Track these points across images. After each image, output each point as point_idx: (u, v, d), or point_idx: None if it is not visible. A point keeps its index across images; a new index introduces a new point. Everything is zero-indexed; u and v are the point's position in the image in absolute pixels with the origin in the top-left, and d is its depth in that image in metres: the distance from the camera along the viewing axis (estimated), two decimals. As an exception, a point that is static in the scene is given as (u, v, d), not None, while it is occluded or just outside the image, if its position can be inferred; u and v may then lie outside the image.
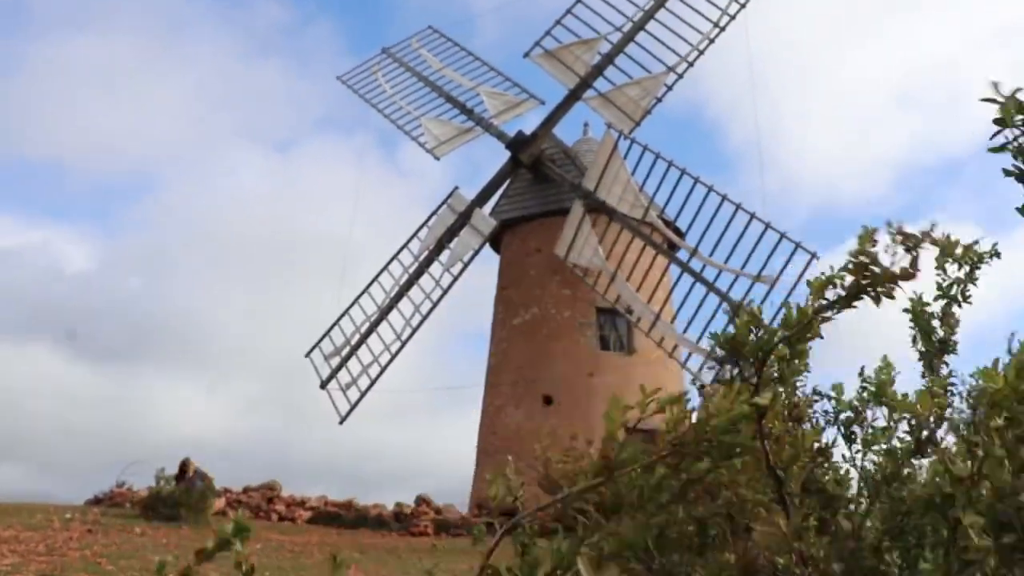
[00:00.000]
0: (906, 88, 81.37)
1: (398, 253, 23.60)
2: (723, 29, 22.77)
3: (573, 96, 23.44)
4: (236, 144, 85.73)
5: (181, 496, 13.74)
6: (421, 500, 17.40)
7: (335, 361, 23.29)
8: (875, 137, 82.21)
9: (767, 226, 19.70)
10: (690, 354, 20.50)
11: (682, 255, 21.05)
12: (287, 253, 69.65)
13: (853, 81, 79.62)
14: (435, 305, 22.64)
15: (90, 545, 9.45)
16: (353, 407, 22.55)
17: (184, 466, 17.97)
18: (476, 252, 22.88)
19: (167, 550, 9.40)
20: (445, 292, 22.65)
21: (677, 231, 22.28)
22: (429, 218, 23.83)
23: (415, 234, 23.75)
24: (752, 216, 19.95)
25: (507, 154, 24.24)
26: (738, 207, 20.11)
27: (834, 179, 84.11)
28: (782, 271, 19.40)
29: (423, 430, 51.83)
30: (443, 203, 23.87)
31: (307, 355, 23.68)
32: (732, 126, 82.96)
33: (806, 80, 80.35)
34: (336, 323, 23.62)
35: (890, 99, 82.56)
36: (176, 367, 67.97)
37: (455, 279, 22.67)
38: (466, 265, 22.76)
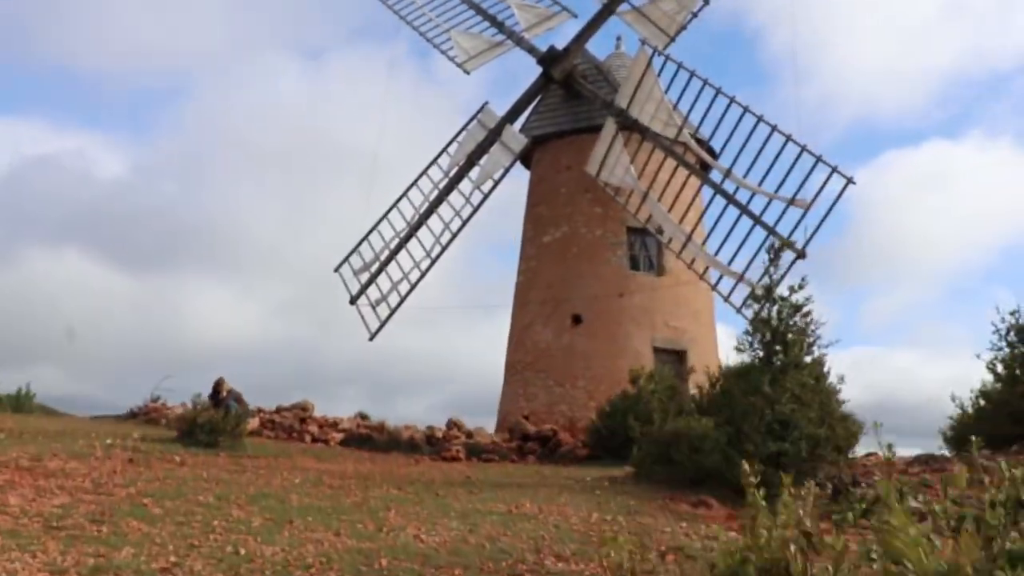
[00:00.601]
0: None
1: (427, 168, 23.38)
2: (764, -59, 22.07)
3: (607, 10, 22.86)
4: (270, 51, 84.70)
5: (218, 423, 13.96)
6: (452, 423, 17.61)
7: (364, 277, 23.33)
8: (919, 48, 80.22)
9: (803, 148, 19.35)
10: (721, 276, 20.37)
11: (715, 176, 20.77)
12: (320, 161, 69.46)
13: None
14: (465, 223, 22.51)
15: (134, 481, 9.64)
16: (383, 324, 22.65)
17: (218, 386, 18.22)
18: (507, 170, 22.63)
19: (208, 488, 9.58)
20: (475, 210, 22.51)
21: (711, 151, 21.96)
22: (459, 133, 23.53)
23: (444, 149, 23.49)
24: (788, 138, 19.58)
25: (538, 68, 23.80)
26: (774, 128, 19.75)
27: (875, 91, 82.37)
28: (817, 195, 19.13)
29: (449, 336, 52.32)
30: (473, 118, 23.53)
31: (336, 270, 23.72)
32: (773, 36, 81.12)
33: None
34: (365, 238, 23.56)
35: (937, 9, 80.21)
36: (209, 273, 68.64)
37: (485, 197, 22.49)
38: (496, 183, 22.55)
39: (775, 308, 12.38)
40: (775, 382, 11.78)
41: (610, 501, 10.67)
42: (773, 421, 11.61)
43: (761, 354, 12.32)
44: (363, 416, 39.25)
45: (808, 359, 12.23)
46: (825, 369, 12.64)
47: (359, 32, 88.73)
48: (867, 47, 78.11)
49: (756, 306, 12.52)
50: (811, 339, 12.33)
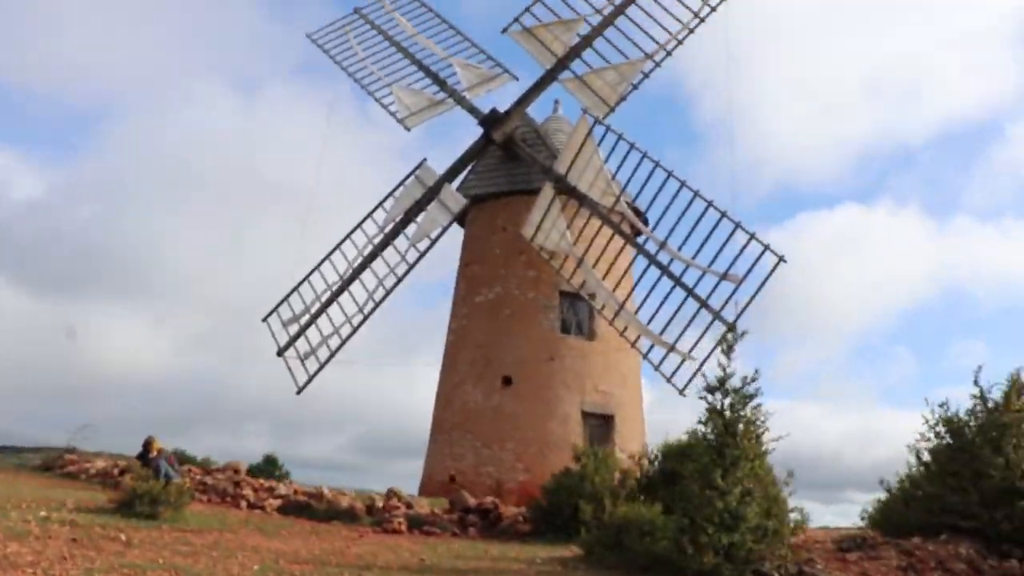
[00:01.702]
0: (871, 78, 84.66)
1: (362, 222, 23.29)
2: (703, 20, 22.79)
3: (550, 76, 23.21)
4: (205, 81, 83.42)
5: (159, 494, 13.53)
6: (392, 493, 17.42)
7: (293, 328, 23.04)
8: (838, 122, 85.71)
9: (737, 225, 19.84)
10: (652, 346, 20.68)
11: (650, 246, 21.10)
12: (248, 196, 68.52)
13: (822, 69, 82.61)
14: (399, 281, 22.41)
15: (89, 572, 9.29)
16: (311, 378, 22.37)
17: (147, 446, 17.71)
18: (444, 229, 22.69)
19: (171, 578, 9.29)
20: (410, 268, 22.43)
21: (646, 222, 22.41)
22: (396, 189, 23.50)
23: (380, 204, 23.42)
24: (723, 215, 20.05)
25: (475, 126, 23.96)
26: (710, 204, 20.21)
27: (797, 159, 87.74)
28: (749, 271, 19.65)
29: (359, 375, 51.85)
30: (410, 174, 23.54)
31: (265, 319, 23.39)
32: (704, 102, 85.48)
33: (778, 64, 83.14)
34: (295, 289, 23.31)
35: (855, 88, 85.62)
36: (121, 301, 66.71)
37: (421, 256, 22.44)
38: (433, 242, 22.53)
39: (727, 399, 12.67)
40: (727, 474, 12.05)
41: (571, 594, 10.74)
42: (724, 512, 11.87)
43: (713, 444, 12.57)
44: (272, 460, 38.34)
45: (758, 449, 12.53)
46: (768, 456, 12.94)
47: (298, 69, 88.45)
48: (791, 118, 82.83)
49: (710, 396, 12.78)
50: (760, 430, 12.65)
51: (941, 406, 14.67)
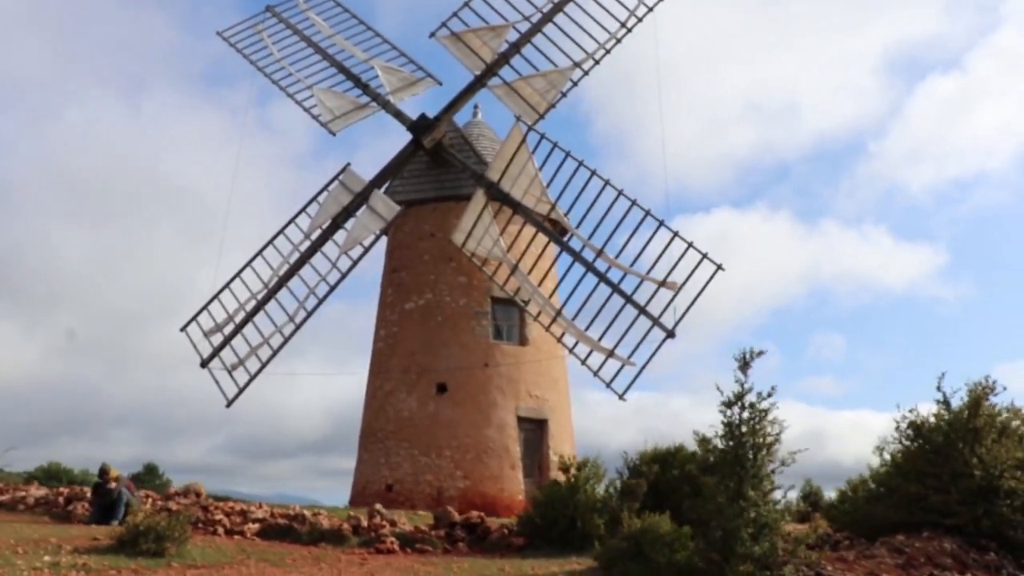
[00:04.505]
0: (749, 99, 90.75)
1: (285, 227, 22.63)
2: (630, 30, 23.19)
3: (478, 82, 23.13)
4: (100, 88, 78.46)
5: (163, 530, 12.75)
6: (375, 511, 17.01)
7: (216, 339, 22.19)
8: (721, 138, 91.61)
9: (675, 235, 20.42)
10: (590, 352, 21.02)
11: (587, 254, 21.41)
12: (138, 199, 65.05)
13: (707, 88, 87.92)
14: (332, 288, 21.93)
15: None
16: (241, 391, 21.64)
17: (104, 473, 16.73)
18: (378, 236, 22.27)
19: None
20: (344, 276, 21.97)
21: (577, 228, 22.72)
22: (319, 194, 22.90)
23: (303, 209, 22.81)
24: (660, 223, 20.68)
25: (395, 128, 23.65)
26: (647, 213, 20.75)
27: (685, 170, 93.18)
28: (687, 280, 20.26)
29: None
30: (334, 179, 22.96)
31: (183, 329, 22.40)
32: (599, 120, 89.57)
33: (668, 86, 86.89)
34: (215, 297, 22.43)
35: (736, 108, 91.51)
36: None
37: (355, 263, 22.01)
38: (367, 249, 22.09)
39: (745, 413, 13.14)
40: (755, 487, 12.54)
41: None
42: (755, 522, 12.36)
43: (730, 458, 13.01)
44: (152, 468, 36.83)
45: (775, 462, 13.06)
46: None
47: (200, 77, 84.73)
48: (679, 134, 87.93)
49: (727, 411, 13.21)
50: (775, 443, 13.18)
51: (911, 411, 15.71)
